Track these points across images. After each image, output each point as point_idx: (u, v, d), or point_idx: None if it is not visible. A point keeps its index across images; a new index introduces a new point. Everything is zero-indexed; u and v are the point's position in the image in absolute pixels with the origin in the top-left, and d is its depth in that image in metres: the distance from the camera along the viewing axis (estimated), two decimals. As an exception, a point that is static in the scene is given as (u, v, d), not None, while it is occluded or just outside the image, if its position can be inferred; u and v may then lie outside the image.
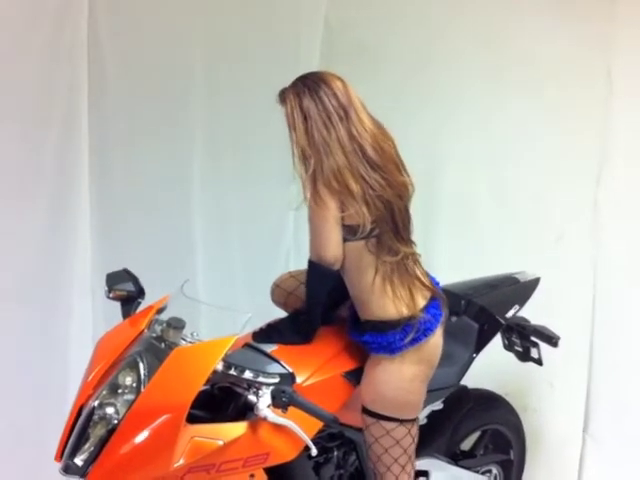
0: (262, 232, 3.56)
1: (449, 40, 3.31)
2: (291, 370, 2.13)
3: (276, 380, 2.06)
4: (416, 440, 2.31)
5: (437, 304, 2.29)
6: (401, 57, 3.43)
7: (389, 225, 2.18)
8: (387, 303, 2.18)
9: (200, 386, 1.92)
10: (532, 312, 2.80)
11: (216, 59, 3.41)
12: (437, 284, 2.35)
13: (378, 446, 2.27)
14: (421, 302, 2.23)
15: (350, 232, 2.14)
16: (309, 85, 2.19)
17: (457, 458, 2.77)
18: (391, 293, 2.18)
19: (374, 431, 2.26)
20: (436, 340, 2.27)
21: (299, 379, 2.15)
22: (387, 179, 2.17)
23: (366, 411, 2.26)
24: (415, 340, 2.19)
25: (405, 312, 2.18)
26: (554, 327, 2.76)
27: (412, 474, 2.36)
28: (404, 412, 2.25)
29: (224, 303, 3.33)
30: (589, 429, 3.19)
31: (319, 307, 2.24)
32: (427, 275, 2.31)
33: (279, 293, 2.53)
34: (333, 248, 2.13)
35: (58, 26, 3.07)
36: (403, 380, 2.21)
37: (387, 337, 2.18)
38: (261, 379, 2.03)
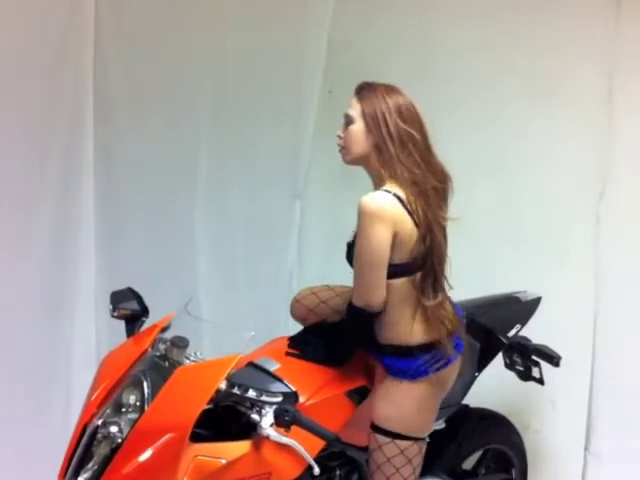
0: (266, 247, 3.58)
1: (448, 55, 3.34)
2: (294, 389, 2.14)
3: (279, 399, 2.07)
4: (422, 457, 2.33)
5: (458, 343, 2.32)
6: (401, 74, 3.43)
7: (433, 260, 2.17)
8: (416, 329, 2.19)
9: (203, 405, 1.94)
10: (534, 331, 2.82)
11: (222, 76, 3.46)
12: (460, 312, 2.37)
13: (389, 466, 2.26)
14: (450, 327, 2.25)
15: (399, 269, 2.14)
16: (398, 91, 2.21)
17: (459, 477, 2.78)
18: (424, 322, 2.19)
19: (387, 450, 2.25)
20: (455, 365, 2.30)
21: (302, 398, 2.15)
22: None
23: (380, 430, 2.25)
24: (438, 369, 2.21)
25: (433, 339, 2.19)
26: (556, 346, 2.77)
27: None
28: (420, 430, 2.27)
29: (227, 319, 3.38)
30: (591, 447, 3.17)
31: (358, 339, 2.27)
32: (454, 306, 2.32)
33: (299, 309, 2.51)
34: (382, 293, 2.14)
35: (65, 32, 3.11)
36: (422, 399, 2.23)
37: (409, 362, 2.19)
38: (264, 398, 2.04)
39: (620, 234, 3.08)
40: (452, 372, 2.30)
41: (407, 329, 2.19)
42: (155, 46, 3.32)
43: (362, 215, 2.08)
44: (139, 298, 2.29)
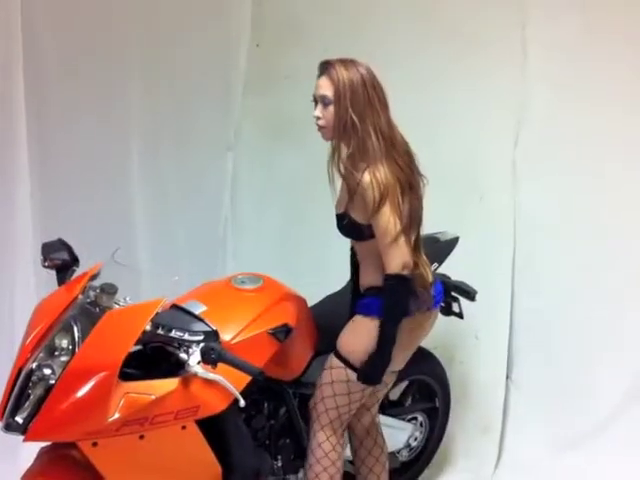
0: (200, 197, 3.66)
1: (379, 8, 3.44)
2: (215, 328, 2.27)
3: (200, 337, 2.19)
4: (364, 400, 2.50)
5: (440, 290, 2.54)
6: (332, 26, 3.54)
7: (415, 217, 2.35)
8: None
9: (131, 345, 2.06)
10: (457, 269, 2.97)
11: (152, 30, 3.48)
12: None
13: (329, 388, 2.44)
14: (430, 277, 2.42)
15: None
16: (356, 62, 2.29)
17: (386, 407, 2.96)
18: None
19: (335, 374, 2.43)
20: (428, 321, 2.51)
21: (228, 337, 2.29)
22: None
23: (337, 354, 2.43)
24: (417, 309, 2.36)
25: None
26: (477, 282, 2.94)
27: (346, 424, 2.55)
28: None
29: (163, 267, 3.47)
30: (512, 376, 3.38)
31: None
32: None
33: None
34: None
35: None
36: None
37: (381, 300, 2.32)
38: (187, 337, 2.17)
39: (534, 176, 3.25)
40: (420, 323, 2.45)
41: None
42: (85, 20, 3.30)
43: (372, 194, 2.22)
44: (69, 248, 2.36)
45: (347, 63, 2.28)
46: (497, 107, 3.27)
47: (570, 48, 3.10)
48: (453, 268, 2.97)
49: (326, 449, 2.49)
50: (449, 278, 2.96)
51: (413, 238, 2.33)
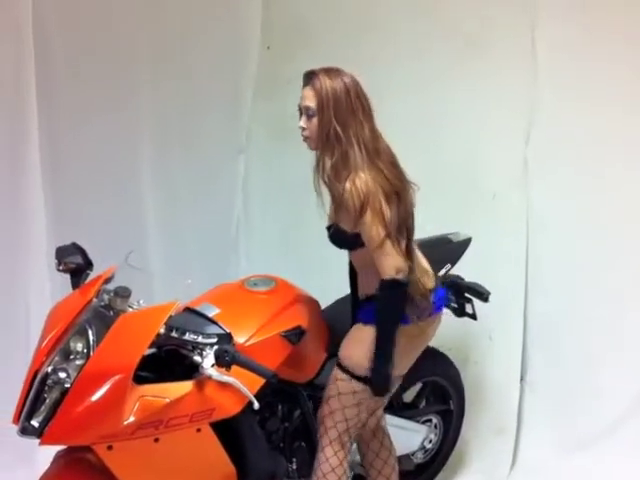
0: (212, 200, 3.66)
1: (384, 11, 3.44)
2: (228, 331, 2.27)
3: (214, 340, 2.20)
4: (371, 410, 2.47)
5: (442, 295, 2.52)
6: (339, 30, 3.55)
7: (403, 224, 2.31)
8: None
9: (145, 348, 2.07)
10: (470, 269, 2.96)
11: (161, 33, 3.49)
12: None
13: (336, 401, 2.41)
14: (429, 284, 2.40)
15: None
16: (340, 72, 2.27)
17: (400, 409, 2.95)
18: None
19: (341, 386, 2.40)
20: (430, 328, 2.47)
21: (241, 339, 2.29)
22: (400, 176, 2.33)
23: (340, 366, 2.41)
24: (418, 317, 2.34)
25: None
26: (491, 283, 2.92)
27: (354, 436, 2.52)
28: None
29: (179, 273, 3.48)
30: (526, 377, 3.36)
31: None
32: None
33: None
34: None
35: (1, 9, 3.05)
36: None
37: None
38: (200, 339, 2.18)
39: (547, 176, 3.23)
40: (423, 330, 2.42)
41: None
42: (95, 25, 3.31)
43: (352, 202, 2.20)
44: (83, 252, 2.37)
45: (331, 73, 2.27)
46: (508, 107, 3.26)
47: (580, 48, 3.09)
48: (466, 269, 2.97)
49: (333, 464, 2.45)
50: (462, 279, 2.95)
51: (404, 245, 2.29)
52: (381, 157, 2.28)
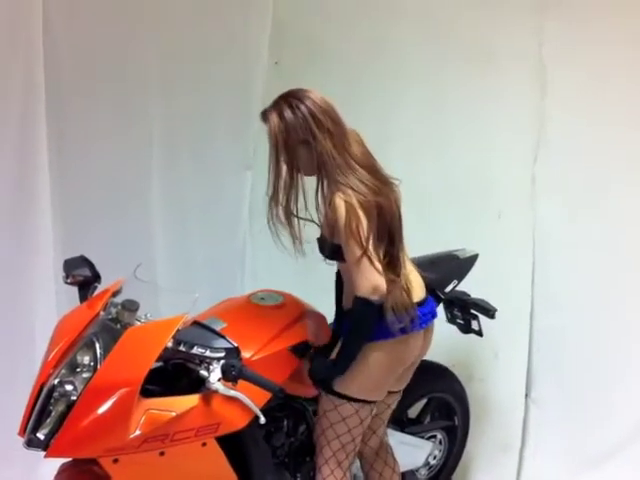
0: (219, 216, 3.66)
1: (395, 32, 3.45)
2: (236, 345, 2.28)
3: (222, 354, 2.20)
4: (365, 424, 2.43)
5: (430, 309, 2.46)
6: (349, 48, 3.57)
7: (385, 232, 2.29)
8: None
9: (152, 362, 2.07)
10: (477, 286, 2.97)
11: (169, 56, 3.50)
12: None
13: (324, 420, 2.41)
14: (416, 297, 2.38)
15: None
16: (299, 95, 2.24)
17: (404, 425, 2.95)
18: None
19: (325, 404, 2.40)
20: (416, 342, 2.41)
21: (248, 354, 2.29)
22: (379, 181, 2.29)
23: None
24: (402, 331, 2.30)
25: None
26: (496, 300, 2.93)
27: (353, 455, 2.48)
28: (359, 392, 2.35)
29: (186, 287, 3.48)
30: (531, 394, 3.35)
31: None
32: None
33: None
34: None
35: (12, 25, 3.05)
36: (366, 364, 2.31)
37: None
38: (208, 353, 2.18)
39: (554, 193, 3.23)
40: (413, 347, 2.39)
41: None
42: (105, 38, 3.31)
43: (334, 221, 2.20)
44: (91, 265, 2.39)
45: (284, 103, 2.25)
46: (516, 124, 3.26)
47: (589, 67, 3.09)
48: (472, 285, 2.97)
49: None
50: (469, 295, 2.96)
51: (382, 253, 2.27)
52: (357, 171, 2.24)
